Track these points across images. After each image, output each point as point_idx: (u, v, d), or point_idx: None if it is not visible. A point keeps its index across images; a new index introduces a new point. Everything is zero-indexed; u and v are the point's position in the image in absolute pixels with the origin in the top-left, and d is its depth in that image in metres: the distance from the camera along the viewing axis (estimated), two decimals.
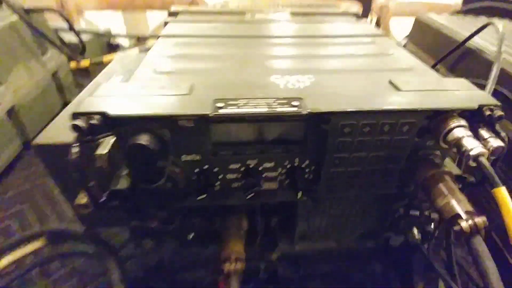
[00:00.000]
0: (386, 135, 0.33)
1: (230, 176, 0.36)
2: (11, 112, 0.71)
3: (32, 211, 0.62)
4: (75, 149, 0.29)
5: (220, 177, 0.36)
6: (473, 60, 0.61)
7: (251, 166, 0.36)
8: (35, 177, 0.70)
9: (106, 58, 1.12)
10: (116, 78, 0.51)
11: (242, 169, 0.36)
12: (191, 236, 0.45)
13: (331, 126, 0.32)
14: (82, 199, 0.39)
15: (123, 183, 0.35)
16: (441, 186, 0.31)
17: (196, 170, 0.35)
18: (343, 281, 0.52)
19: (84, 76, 1.04)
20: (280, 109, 0.31)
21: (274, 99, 0.32)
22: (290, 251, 0.48)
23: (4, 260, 0.47)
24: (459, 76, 0.40)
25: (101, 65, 1.08)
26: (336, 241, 0.48)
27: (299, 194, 0.36)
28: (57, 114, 0.88)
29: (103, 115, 0.29)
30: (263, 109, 0.31)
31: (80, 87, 1.03)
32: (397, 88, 0.35)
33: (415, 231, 0.42)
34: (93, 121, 0.29)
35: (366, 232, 0.47)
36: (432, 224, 0.42)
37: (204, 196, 0.35)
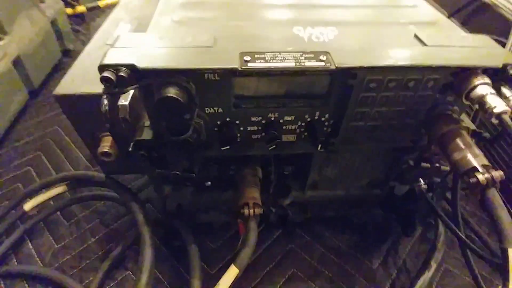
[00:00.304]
0: (410, 91, 0.33)
1: (251, 128, 0.37)
2: (17, 62, 0.68)
3: (47, 157, 0.63)
4: (105, 101, 0.29)
5: (241, 128, 0.37)
6: (488, 15, 0.58)
7: (272, 119, 0.36)
8: (45, 125, 0.69)
9: (102, 2, 1.05)
10: (124, 26, 0.48)
11: (263, 121, 0.36)
12: (208, 183, 0.47)
13: (357, 81, 0.31)
14: (106, 147, 0.40)
15: (147, 133, 0.35)
16: (458, 141, 0.32)
17: (219, 122, 0.35)
18: (346, 224, 0.56)
19: (80, 22, 0.98)
20: (308, 63, 0.30)
21: (301, 53, 0.31)
22: (300, 198, 0.51)
23: (27, 204, 0.49)
24: (472, 31, 0.39)
25: (97, 10, 1.02)
26: (344, 189, 0.51)
27: (319, 147, 0.37)
28: (59, 61, 0.86)
29: (132, 67, 0.28)
30: (291, 64, 0.30)
31: (77, 33, 0.98)
32: (423, 43, 0.34)
33: (422, 181, 0.44)
34: (121, 73, 0.28)
35: (374, 181, 0.49)
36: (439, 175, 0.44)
37: (228, 147, 0.35)
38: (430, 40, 0.34)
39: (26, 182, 0.58)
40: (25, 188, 0.57)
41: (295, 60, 0.30)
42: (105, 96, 0.29)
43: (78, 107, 0.38)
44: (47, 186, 0.49)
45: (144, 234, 0.42)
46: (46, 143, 0.66)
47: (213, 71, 0.29)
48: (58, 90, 0.38)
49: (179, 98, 0.29)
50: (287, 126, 0.37)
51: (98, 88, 0.29)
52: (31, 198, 0.49)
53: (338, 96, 0.34)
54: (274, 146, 0.36)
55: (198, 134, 0.34)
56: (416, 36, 0.35)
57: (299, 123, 0.37)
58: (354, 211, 0.56)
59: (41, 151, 0.64)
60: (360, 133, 0.37)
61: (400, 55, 0.32)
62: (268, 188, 0.48)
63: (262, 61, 0.30)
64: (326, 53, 0.31)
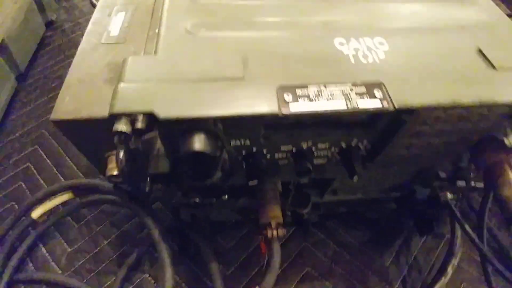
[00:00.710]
0: (470, 123, 0.29)
1: (279, 155, 0.33)
2: (2, 47, 0.58)
3: (45, 153, 0.57)
4: (121, 154, 0.24)
5: (268, 157, 0.32)
6: None
7: (304, 148, 0.32)
8: (38, 113, 0.62)
9: None
10: (118, 15, 0.40)
11: (294, 150, 0.32)
12: (225, 196, 0.44)
13: (413, 116, 0.27)
14: (113, 170, 0.35)
15: (163, 165, 0.31)
16: (510, 174, 0.29)
17: (244, 153, 0.31)
18: (359, 219, 0.55)
19: None
20: (361, 102, 0.25)
21: (350, 86, 0.26)
22: (317, 201, 0.48)
23: (35, 212, 0.46)
24: None
25: None
26: (365, 193, 0.48)
27: (355, 178, 0.33)
28: (43, 38, 0.74)
29: (150, 115, 0.23)
30: (341, 104, 0.25)
31: (59, 0, 0.83)
32: (489, 63, 0.29)
33: (449, 193, 0.42)
34: (139, 125, 0.23)
35: (396, 186, 0.47)
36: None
37: (255, 182, 0.32)
38: (498, 59, 0.29)
39: (28, 181, 0.54)
40: (26, 185, 0.53)
41: (345, 97, 0.25)
42: (121, 151, 0.23)
43: (80, 130, 0.32)
44: (52, 194, 0.46)
45: (162, 251, 0.40)
46: (42, 135, 0.60)
47: (251, 116, 0.24)
48: (56, 114, 0.31)
49: (207, 152, 0.24)
50: (319, 152, 0.33)
51: (101, 108, 0.25)
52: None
53: (384, 127, 0.29)
54: (303, 175, 0.33)
55: (222, 172, 0.30)
56: (480, 52, 0.30)
57: (333, 149, 0.33)
58: (368, 207, 0.54)
59: (38, 145, 0.58)
60: (400, 158, 0.34)
61: (467, 86, 0.27)
62: (287, 197, 0.45)
63: (306, 99, 0.25)
64: (380, 85, 0.26)
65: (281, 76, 0.26)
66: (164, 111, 0.23)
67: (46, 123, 0.61)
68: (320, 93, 0.25)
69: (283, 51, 0.28)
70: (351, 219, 0.55)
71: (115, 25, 0.40)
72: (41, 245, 0.49)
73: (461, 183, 0.39)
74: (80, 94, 0.33)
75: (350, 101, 0.25)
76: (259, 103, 0.24)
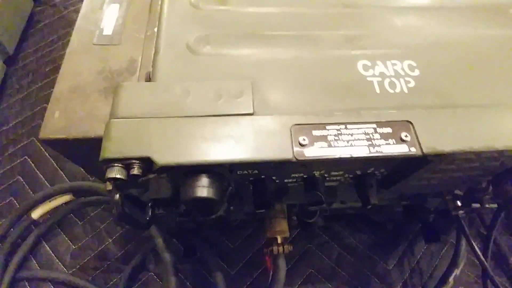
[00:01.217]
0: (497, 162, 0.26)
1: (288, 180, 0.30)
2: None
3: (44, 145, 0.55)
4: (116, 196, 0.21)
5: (277, 181, 0.30)
6: None
7: (316, 175, 0.29)
8: (31, 102, 0.59)
9: None
10: (111, 8, 0.35)
11: (305, 176, 0.29)
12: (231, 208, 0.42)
13: (439, 157, 0.23)
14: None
15: (164, 190, 0.28)
16: None
17: (251, 179, 0.28)
18: (364, 222, 0.53)
19: None
20: (386, 148, 0.22)
21: (374, 126, 0.22)
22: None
23: (35, 213, 0.45)
24: None
25: None
26: None
27: (369, 206, 0.30)
28: (31, 14, 0.68)
29: (147, 160, 0.20)
30: (363, 150, 0.22)
31: None
32: None
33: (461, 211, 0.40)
34: (135, 172, 0.20)
35: (406, 196, 0.45)
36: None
37: (263, 210, 0.29)
38: None
39: (26, 175, 0.52)
40: (24, 179, 0.52)
41: (368, 140, 0.22)
42: (116, 198, 0.21)
43: (73, 148, 0.30)
44: (52, 196, 0.44)
45: (166, 260, 0.40)
46: (39, 126, 0.57)
47: (259, 162, 0.21)
48: (45, 132, 0.29)
49: (213, 198, 0.21)
50: (331, 178, 0.30)
51: (95, 125, 0.23)
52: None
53: (406, 163, 0.26)
54: (314, 204, 0.30)
55: (229, 204, 0.27)
56: None
57: (347, 175, 0.30)
58: (375, 210, 0.53)
59: (35, 136, 0.56)
60: (417, 188, 0.31)
61: (502, 132, 0.23)
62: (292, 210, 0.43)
63: (323, 143, 0.21)
64: (407, 125, 0.23)
65: (296, 109, 0.22)
66: (163, 157, 0.20)
67: (42, 112, 0.58)
68: (339, 135, 0.22)
69: (298, 76, 0.24)
70: (357, 221, 0.54)
71: (108, 21, 0.35)
72: (44, 243, 0.48)
73: (475, 205, 0.37)
74: (71, 108, 0.30)
75: (373, 146, 0.21)
76: (271, 146, 0.21)
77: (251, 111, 0.22)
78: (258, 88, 0.23)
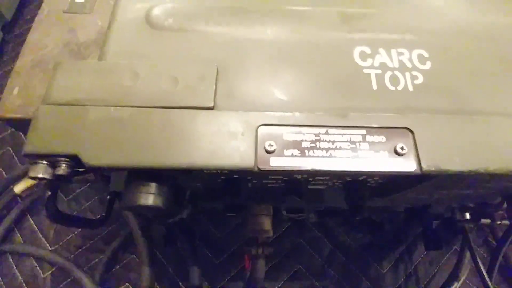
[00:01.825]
0: (510, 182, 0.20)
1: (266, 181, 0.26)
2: None
3: None
4: (48, 200, 0.18)
5: (254, 181, 0.26)
6: None
7: (298, 178, 0.24)
8: None
9: None
10: None
11: (285, 178, 0.25)
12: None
13: (445, 177, 0.19)
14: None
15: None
16: None
17: (223, 178, 0.24)
18: (361, 219, 0.49)
19: None
20: (375, 163, 0.17)
21: (364, 132, 0.17)
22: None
23: (17, 187, 0.43)
24: None
25: None
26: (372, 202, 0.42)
27: (360, 217, 0.26)
28: None
29: (75, 159, 0.16)
30: (344, 162, 0.17)
31: None
32: None
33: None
34: (61, 171, 0.16)
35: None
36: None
37: (234, 214, 0.25)
38: None
39: (16, 145, 0.51)
40: (14, 149, 0.50)
41: (352, 149, 0.17)
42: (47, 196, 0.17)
43: None
44: None
45: (140, 249, 0.37)
46: None
47: (213, 170, 0.17)
48: (1, 110, 0.25)
49: (159, 206, 0.17)
50: (317, 181, 0.26)
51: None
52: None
53: (403, 177, 0.21)
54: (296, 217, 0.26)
55: (194, 206, 0.24)
56: None
57: (335, 180, 0.26)
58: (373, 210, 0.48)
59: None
60: (417, 200, 0.26)
61: None
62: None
63: (296, 150, 0.17)
64: (407, 133, 0.18)
65: (267, 104, 0.17)
66: (95, 156, 0.16)
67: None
68: (317, 142, 0.17)
69: (276, 62, 0.19)
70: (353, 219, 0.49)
71: None
72: (29, 216, 0.47)
73: (485, 221, 0.32)
74: (31, 85, 0.26)
75: (358, 158, 0.17)
76: (229, 150, 0.16)
77: (211, 105, 0.17)
78: (224, 74, 0.18)
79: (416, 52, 0.20)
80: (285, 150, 0.17)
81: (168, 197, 0.18)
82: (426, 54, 0.20)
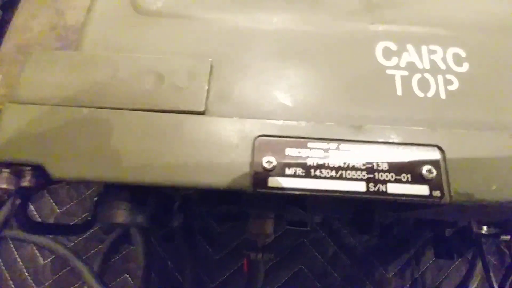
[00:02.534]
0: None
1: None
2: None
3: None
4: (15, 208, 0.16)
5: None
6: None
7: None
8: None
9: None
10: None
11: None
12: None
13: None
14: None
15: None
16: None
17: None
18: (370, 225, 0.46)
19: None
20: (394, 187, 0.14)
21: (383, 148, 0.14)
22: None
23: None
24: None
25: None
26: None
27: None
28: None
29: (40, 169, 0.14)
30: (358, 185, 0.14)
31: None
32: None
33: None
34: (25, 182, 0.14)
35: None
36: None
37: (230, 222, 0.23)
38: None
39: None
40: None
41: (369, 170, 0.14)
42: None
43: None
44: None
45: (137, 246, 0.36)
46: None
47: (200, 189, 0.14)
48: None
49: (137, 224, 0.15)
50: None
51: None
52: None
53: None
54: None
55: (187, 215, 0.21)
56: None
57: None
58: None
59: None
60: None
61: None
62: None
63: (300, 169, 0.14)
64: (435, 152, 0.14)
65: (269, 111, 0.14)
66: (62, 167, 0.13)
67: None
68: (326, 159, 0.14)
69: (282, 58, 0.16)
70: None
71: None
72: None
73: (505, 238, 0.29)
74: (14, 73, 0.24)
75: (375, 181, 0.14)
76: (220, 166, 0.13)
77: (201, 109, 0.14)
78: (219, 72, 0.15)
79: (451, 50, 0.16)
80: (286, 169, 0.13)
81: (150, 212, 0.15)
82: (463, 54, 0.16)
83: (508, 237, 0.29)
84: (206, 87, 0.14)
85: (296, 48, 0.16)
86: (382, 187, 0.13)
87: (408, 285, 0.44)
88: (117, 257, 0.44)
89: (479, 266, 0.40)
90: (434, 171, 0.13)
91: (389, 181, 0.13)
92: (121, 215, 0.14)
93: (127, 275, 0.44)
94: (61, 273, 0.43)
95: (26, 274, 0.44)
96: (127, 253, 0.45)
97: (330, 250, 0.46)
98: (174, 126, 0.14)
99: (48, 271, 0.44)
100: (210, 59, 0.15)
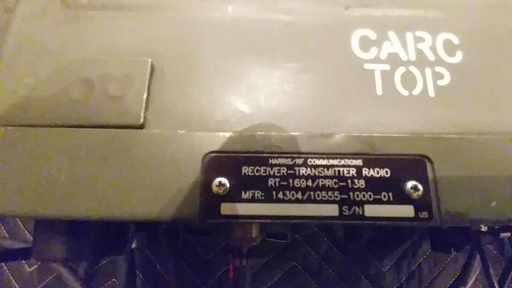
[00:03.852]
0: None
1: None
2: None
3: None
4: None
5: None
6: None
7: None
8: None
9: None
10: None
11: None
12: None
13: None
14: None
15: None
16: None
17: None
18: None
19: None
20: (374, 209, 0.11)
21: (359, 164, 0.12)
22: None
23: None
24: None
25: None
26: None
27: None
28: None
29: None
30: (330, 208, 0.11)
31: None
32: None
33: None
34: None
35: None
36: None
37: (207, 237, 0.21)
38: None
39: None
40: None
41: (342, 189, 0.11)
42: None
43: None
44: None
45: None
46: None
47: (140, 221, 0.11)
48: None
49: (77, 257, 0.12)
50: None
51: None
52: None
53: None
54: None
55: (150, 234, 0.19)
56: None
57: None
58: None
59: None
60: None
61: None
62: None
63: (259, 193, 0.11)
64: (422, 164, 0.12)
65: (219, 121, 0.12)
66: None
67: None
68: (290, 178, 0.11)
69: (238, 55, 0.13)
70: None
71: None
72: None
73: (505, 235, 0.26)
74: None
75: (349, 202, 0.11)
76: (162, 192, 0.11)
77: (139, 122, 0.12)
78: (162, 74, 0.12)
79: (442, 37, 0.13)
80: (243, 192, 0.11)
81: (94, 243, 0.13)
82: (456, 40, 0.13)
83: (508, 234, 0.27)
84: (145, 95, 0.12)
85: (255, 41, 0.13)
86: (358, 210, 0.11)
87: (404, 278, 0.42)
88: (104, 262, 0.43)
89: (478, 257, 0.38)
90: (421, 188, 0.11)
91: (367, 201, 0.11)
92: (57, 251, 0.11)
93: (115, 280, 0.42)
94: (48, 280, 0.42)
95: (13, 281, 0.43)
96: (113, 258, 0.43)
97: (324, 245, 0.44)
98: (106, 145, 0.11)
99: (35, 278, 0.42)
100: (149, 59, 0.12)
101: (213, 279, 0.43)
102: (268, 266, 0.43)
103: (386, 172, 0.11)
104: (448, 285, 0.39)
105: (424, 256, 0.44)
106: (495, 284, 0.31)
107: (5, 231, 0.43)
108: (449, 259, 0.43)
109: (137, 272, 0.40)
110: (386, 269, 0.42)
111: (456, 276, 0.40)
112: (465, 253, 0.40)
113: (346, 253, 0.43)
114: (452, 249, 0.38)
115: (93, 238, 0.13)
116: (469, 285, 0.38)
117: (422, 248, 0.44)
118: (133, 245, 0.17)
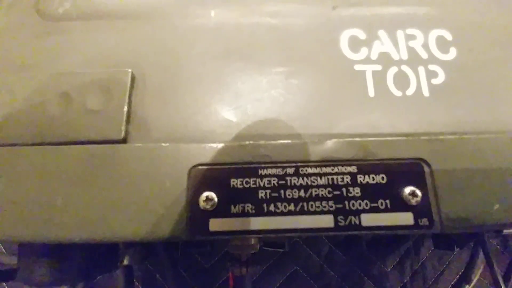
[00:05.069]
0: None
1: None
2: None
3: None
4: None
5: None
6: None
7: None
8: None
9: None
10: None
11: None
12: None
13: None
14: None
15: None
16: None
17: None
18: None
19: None
20: (371, 218, 0.11)
21: (354, 171, 0.11)
22: None
23: None
24: None
25: None
26: None
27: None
28: None
29: None
30: (324, 219, 0.11)
31: None
32: None
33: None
34: None
35: None
36: None
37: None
38: None
39: None
40: None
41: (337, 198, 0.11)
42: None
43: None
44: None
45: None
46: None
47: (124, 241, 0.11)
48: None
49: (63, 280, 0.12)
50: None
51: None
52: None
53: None
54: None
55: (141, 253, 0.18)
56: None
57: None
58: None
59: None
60: None
61: None
62: None
63: (249, 206, 0.11)
64: (420, 167, 0.11)
65: (205, 131, 0.11)
66: None
67: None
68: (282, 189, 0.11)
69: (223, 61, 0.12)
70: None
71: None
72: None
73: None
74: None
75: (344, 211, 0.10)
76: (146, 211, 0.10)
77: (121, 136, 0.11)
78: (144, 85, 0.12)
79: (434, 33, 0.12)
80: (232, 206, 0.10)
81: (78, 265, 0.12)
82: (449, 37, 0.12)
83: None
84: (126, 107, 0.11)
85: (240, 46, 0.12)
86: (354, 219, 0.10)
87: (408, 278, 0.42)
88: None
89: (482, 253, 0.38)
90: (419, 193, 0.10)
91: (363, 210, 0.10)
92: (41, 275, 0.11)
93: None
94: None
95: None
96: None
97: (325, 247, 0.44)
98: (86, 162, 0.11)
99: None
100: (129, 70, 0.11)
101: (215, 286, 0.42)
102: (270, 271, 0.42)
103: (382, 178, 0.10)
104: (452, 283, 0.39)
105: (427, 254, 0.43)
106: (500, 280, 0.30)
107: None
108: (453, 255, 0.42)
109: (137, 283, 0.39)
110: (389, 269, 0.42)
111: (460, 274, 0.39)
112: (469, 249, 0.39)
113: (348, 255, 0.43)
114: (455, 247, 0.37)
115: (79, 260, 0.12)
116: (473, 282, 0.37)
117: (425, 246, 0.43)
118: (125, 262, 0.16)
